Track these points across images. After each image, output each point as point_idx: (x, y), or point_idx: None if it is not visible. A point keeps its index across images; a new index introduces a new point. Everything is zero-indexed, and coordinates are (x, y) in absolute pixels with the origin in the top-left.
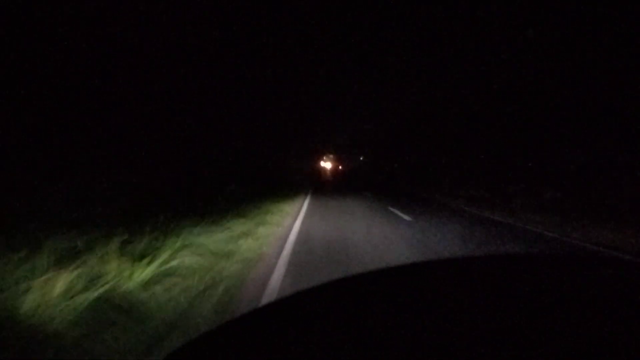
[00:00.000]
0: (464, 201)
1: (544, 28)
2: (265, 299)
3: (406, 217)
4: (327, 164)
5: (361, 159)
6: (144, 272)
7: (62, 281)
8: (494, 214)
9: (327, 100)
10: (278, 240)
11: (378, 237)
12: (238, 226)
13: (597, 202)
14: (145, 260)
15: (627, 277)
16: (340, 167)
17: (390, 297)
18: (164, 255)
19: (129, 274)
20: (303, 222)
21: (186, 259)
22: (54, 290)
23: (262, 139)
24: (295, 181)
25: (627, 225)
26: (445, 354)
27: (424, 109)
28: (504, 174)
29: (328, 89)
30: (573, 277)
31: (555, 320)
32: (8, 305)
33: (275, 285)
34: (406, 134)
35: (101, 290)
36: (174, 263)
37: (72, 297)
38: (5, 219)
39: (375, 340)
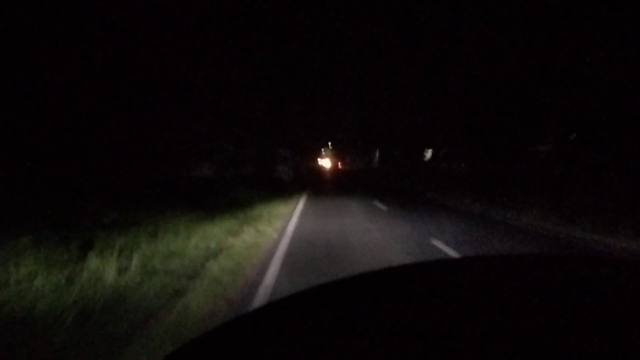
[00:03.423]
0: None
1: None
2: None
3: None
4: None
5: (378, 155)
6: None
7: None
8: None
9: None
10: None
11: None
12: None
13: None
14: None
15: (627, 277)
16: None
17: (388, 298)
18: None
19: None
20: None
21: None
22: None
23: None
24: None
25: None
26: (443, 356)
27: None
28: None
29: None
30: (573, 277)
31: (555, 321)
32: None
33: None
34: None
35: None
36: None
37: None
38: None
39: (372, 342)
